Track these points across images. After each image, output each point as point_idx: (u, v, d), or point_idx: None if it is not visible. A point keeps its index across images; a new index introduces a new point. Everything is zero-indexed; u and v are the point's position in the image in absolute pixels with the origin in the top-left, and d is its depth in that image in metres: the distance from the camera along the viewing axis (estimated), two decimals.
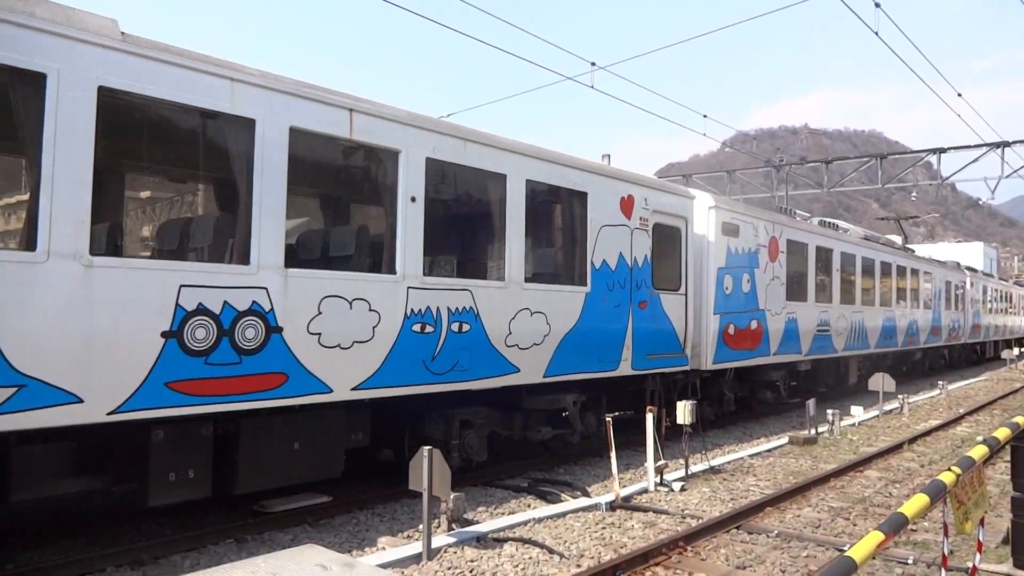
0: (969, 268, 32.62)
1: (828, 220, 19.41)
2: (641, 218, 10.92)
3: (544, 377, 9.37)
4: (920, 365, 26.76)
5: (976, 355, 35.10)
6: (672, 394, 11.88)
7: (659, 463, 9.24)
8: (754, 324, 13.69)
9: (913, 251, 26.92)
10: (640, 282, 10.84)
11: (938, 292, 26.09)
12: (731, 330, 12.93)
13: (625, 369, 10.56)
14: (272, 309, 6.48)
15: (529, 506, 8.54)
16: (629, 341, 10.59)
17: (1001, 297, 39.42)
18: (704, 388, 13.16)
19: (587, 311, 9.91)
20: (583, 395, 10.33)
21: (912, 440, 12.89)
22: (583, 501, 8.54)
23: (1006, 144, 26.37)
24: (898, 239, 31.65)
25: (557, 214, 10.36)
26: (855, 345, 18.68)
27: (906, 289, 22.90)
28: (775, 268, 14.53)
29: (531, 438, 9.98)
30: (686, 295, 11.95)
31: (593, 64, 17.24)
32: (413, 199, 7.80)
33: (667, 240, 11.64)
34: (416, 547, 6.55)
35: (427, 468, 6.52)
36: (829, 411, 13.99)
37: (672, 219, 11.70)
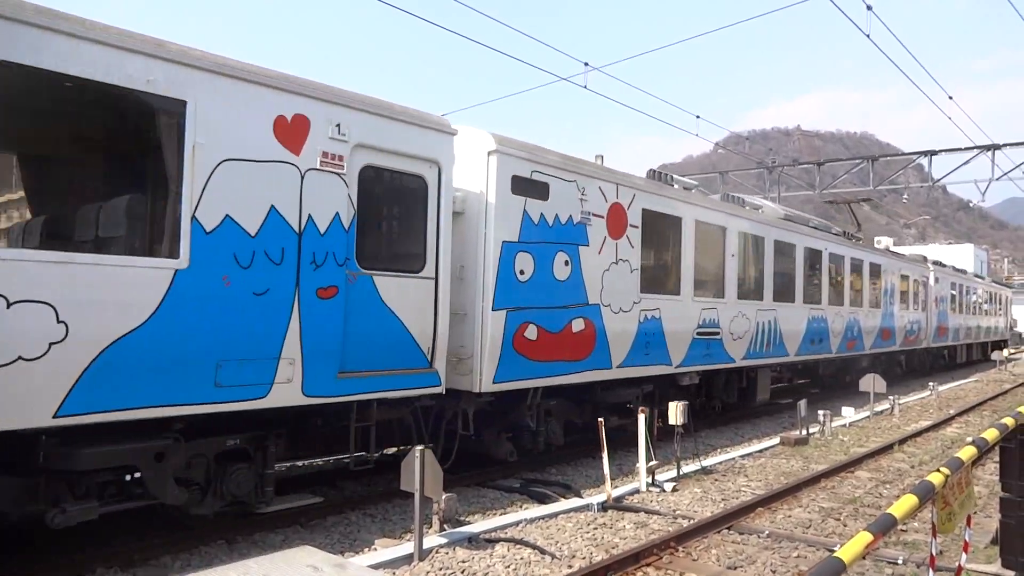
0: (936, 263, 28.32)
1: (736, 196, 15.38)
2: (328, 154, 7.07)
3: (56, 418, 5.34)
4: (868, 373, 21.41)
5: (944, 360, 31.01)
6: (423, 431, 8.68)
7: (651, 464, 9.26)
8: (579, 325, 9.87)
9: (859, 238, 21.89)
10: (324, 256, 7.02)
11: (890, 288, 22.15)
12: (531, 333, 9.15)
13: (286, 396, 6.69)
14: None
15: (521, 506, 8.55)
16: (295, 350, 6.74)
17: (976, 296, 35.21)
18: (491, 418, 9.57)
19: (174, 302, 5.93)
20: (165, 444, 6.15)
21: (902, 441, 12.96)
22: (575, 502, 8.55)
23: (996, 147, 26.54)
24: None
25: (108, 135, 6.45)
26: (765, 352, 14.70)
27: (843, 283, 18.78)
28: (620, 248, 10.63)
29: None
30: (436, 280, 8.11)
31: (587, 64, 17.26)
32: None
33: (395, 195, 8.01)
34: (408, 548, 6.54)
35: (419, 468, 6.51)
36: (820, 412, 14.04)
37: (407, 163, 7.87)
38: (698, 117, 23.74)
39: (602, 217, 10.40)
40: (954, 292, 30.04)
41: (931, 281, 26.49)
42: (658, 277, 11.92)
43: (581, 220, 10.03)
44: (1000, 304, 42.13)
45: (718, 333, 13.14)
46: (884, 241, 28.26)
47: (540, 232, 9.37)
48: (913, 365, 26.84)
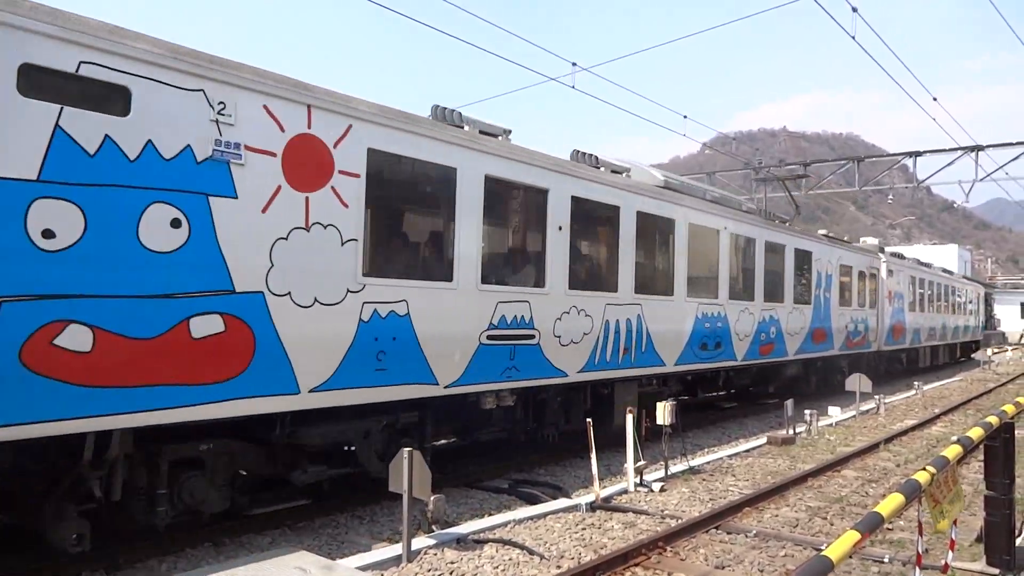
0: (895, 254, 25.29)
1: (581, 152, 11.15)
2: None
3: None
4: (799, 383, 18.27)
5: (901, 365, 26.99)
6: None
7: (639, 464, 9.28)
8: (209, 325, 6.18)
9: (785, 220, 18.48)
10: None
11: (825, 281, 18.34)
12: (75, 339, 5.40)
13: None
14: None
15: (509, 507, 8.54)
16: None
17: (944, 293, 31.20)
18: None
19: None
20: None
21: (888, 440, 13.05)
22: (563, 502, 8.55)
23: (980, 148, 26.81)
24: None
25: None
26: (622, 362, 11.05)
27: (754, 273, 15.03)
28: (318, 207, 7.02)
29: None
30: None
31: (574, 64, 17.29)
32: None
33: None
34: (396, 549, 6.53)
35: (407, 470, 6.50)
36: (807, 411, 14.12)
37: None
38: (685, 117, 23.79)
39: (273, 155, 6.65)
40: (917, 287, 26.54)
41: (883, 273, 22.70)
42: (411, 254, 8.64)
43: (218, 156, 6.24)
44: (973, 302, 38.39)
45: (533, 336, 9.42)
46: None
47: (103, 169, 5.57)
48: (861, 371, 19.24)
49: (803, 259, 17.25)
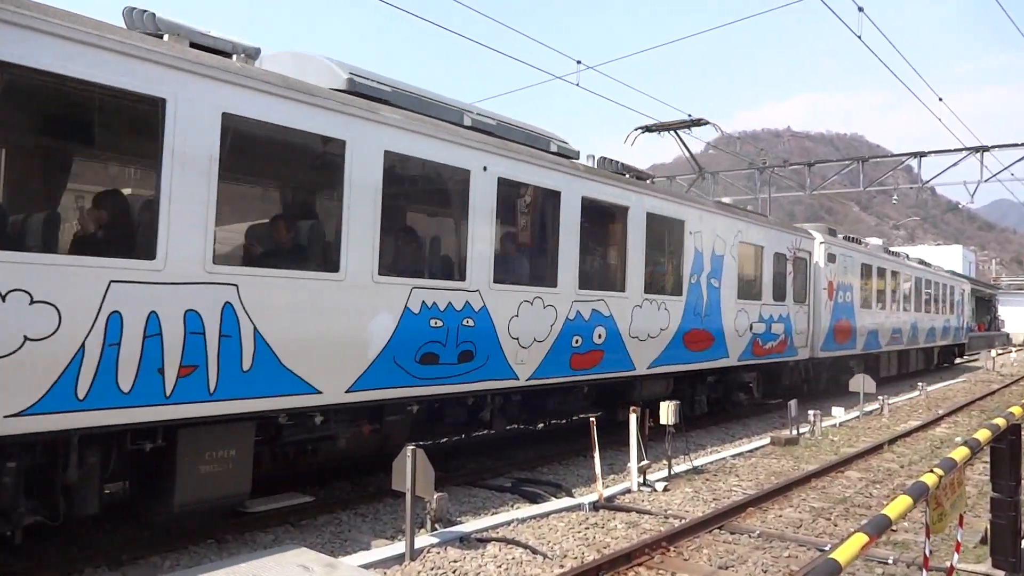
0: (851, 238, 21.40)
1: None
2: None
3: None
4: (687, 406, 12.81)
5: (848, 375, 18.98)
6: None
7: (642, 463, 9.26)
8: None
9: (644, 177, 12.53)
10: None
11: (710, 264, 13.14)
12: None
13: None
14: None
15: (512, 506, 8.53)
16: None
17: (916, 287, 26.52)
18: None
19: None
20: None
21: (892, 441, 13.02)
22: (566, 501, 8.54)
23: (985, 148, 26.69)
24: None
25: None
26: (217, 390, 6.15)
27: (557, 248, 9.88)
28: None
29: None
30: None
31: (579, 63, 17.27)
32: None
33: None
34: (399, 547, 6.51)
35: (410, 468, 6.48)
36: (810, 412, 14.09)
37: None
38: (690, 116, 23.74)
39: None
40: (874, 279, 21.92)
41: (818, 259, 17.67)
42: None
43: None
44: (955, 300, 33.46)
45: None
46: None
47: None
48: (782, 384, 17.00)
49: (666, 230, 12.05)
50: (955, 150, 27.12)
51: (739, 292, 14.12)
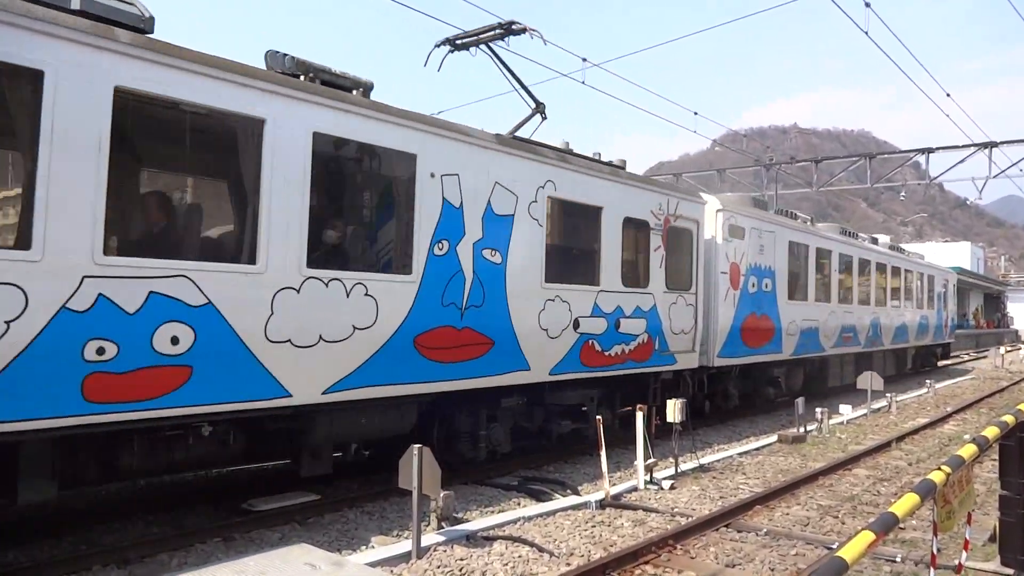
0: (759, 201, 16.52)
1: None
2: None
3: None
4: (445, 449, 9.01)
5: (776, 388, 16.35)
6: None
7: (649, 461, 9.25)
8: None
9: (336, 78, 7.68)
10: None
11: (493, 232, 8.92)
12: None
13: None
14: None
15: (519, 504, 8.53)
16: None
17: (879, 276, 21.79)
18: None
19: None
20: None
21: (900, 438, 12.97)
22: (573, 499, 8.53)
23: (994, 144, 26.56)
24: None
25: None
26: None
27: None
28: None
29: None
30: None
31: (584, 60, 17.24)
32: None
33: None
34: (405, 545, 6.52)
35: (416, 466, 6.49)
36: (818, 409, 14.05)
37: None
38: (696, 114, 23.73)
39: None
40: (811, 264, 17.17)
41: (714, 233, 13.43)
42: None
43: None
44: (936, 292, 28.40)
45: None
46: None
47: None
48: (647, 407, 10.32)
49: (371, 168, 8.13)
50: (963, 146, 27.00)
51: (549, 272, 9.56)
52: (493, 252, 8.91)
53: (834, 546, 6.60)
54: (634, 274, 11.33)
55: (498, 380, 9.01)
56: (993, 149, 26.62)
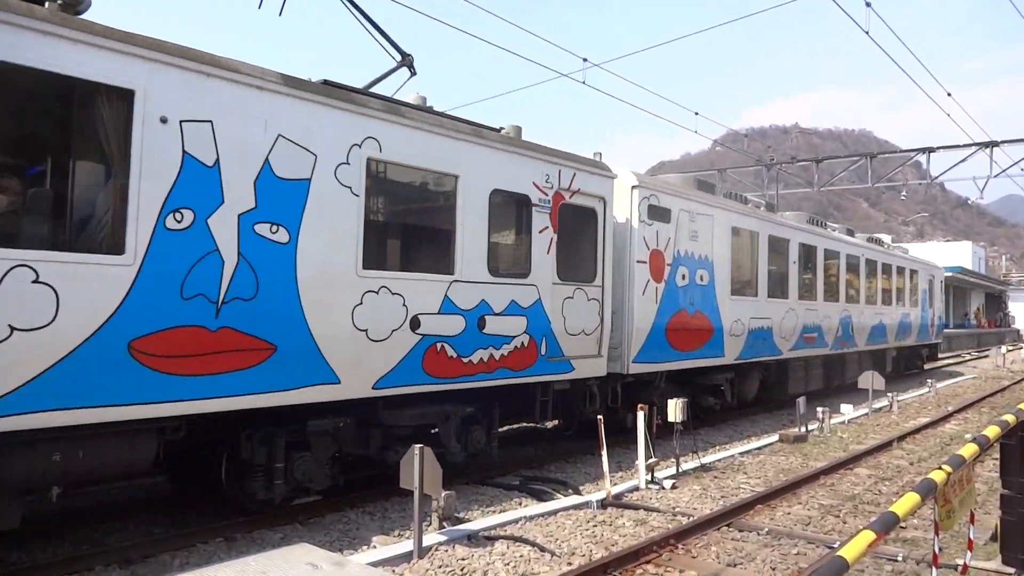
0: (703, 183, 14.01)
1: None
2: None
3: None
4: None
5: (715, 400, 13.96)
6: None
7: (650, 461, 9.25)
8: None
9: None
10: None
11: (273, 202, 6.71)
12: None
13: None
14: None
15: (520, 504, 8.54)
16: None
17: (846, 269, 19.08)
18: None
19: None
20: None
21: (901, 438, 12.96)
22: (574, 499, 8.54)
23: (995, 144, 26.54)
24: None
25: None
26: None
27: None
28: None
29: None
30: None
31: (585, 60, 17.25)
32: None
33: None
34: (407, 545, 6.53)
35: (418, 466, 6.50)
36: (819, 409, 14.05)
37: None
38: (696, 114, 23.70)
39: None
40: (761, 253, 14.81)
41: (628, 215, 11.31)
42: None
43: None
44: (922, 289, 25.79)
45: None
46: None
47: None
48: (548, 433, 12.48)
49: (95, 114, 5.84)
50: (964, 145, 26.99)
51: (370, 256, 7.52)
52: (274, 228, 6.74)
53: (835, 545, 6.60)
54: (509, 261, 9.28)
55: (284, 398, 6.79)
56: (994, 148, 26.61)
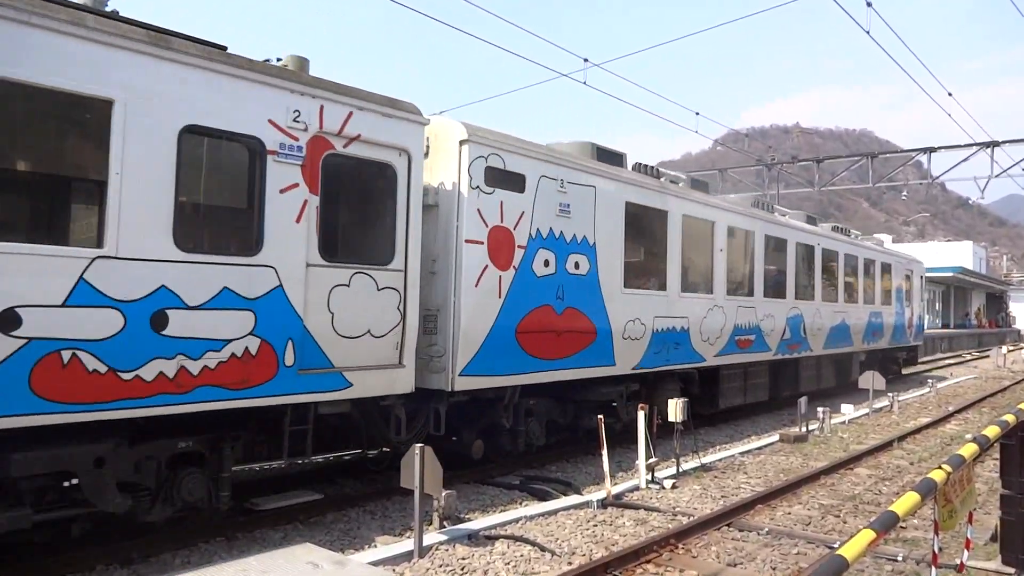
0: (606, 150, 11.08)
1: None
2: None
3: None
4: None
5: (617, 425, 10.99)
6: None
7: (651, 461, 9.26)
8: None
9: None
10: None
11: None
12: None
13: None
14: None
15: (521, 504, 8.55)
16: None
17: (797, 259, 16.19)
18: None
19: None
20: None
21: (902, 438, 12.97)
22: (575, 499, 8.55)
23: (996, 144, 26.54)
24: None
25: None
26: None
27: None
28: None
29: None
30: None
31: (586, 60, 17.25)
32: None
33: None
34: (408, 545, 6.54)
35: (419, 466, 6.51)
36: (819, 409, 14.05)
37: None
38: (697, 114, 23.71)
39: None
40: (674, 237, 12.08)
41: (456, 179, 8.61)
42: None
43: None
44: (897, 286, 22.85)
45: None
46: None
47: None
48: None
49: None
50: (965, 145, 27.01)
51: None
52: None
53: (835, 545, 6.61)
54: (221, 231, 6.94)
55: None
56: (995, 148, 26.62)
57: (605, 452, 8.78)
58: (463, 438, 9.24)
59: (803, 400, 13.36)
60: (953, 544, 6.79)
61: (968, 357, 40.01)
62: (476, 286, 8.57)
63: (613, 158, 11.22)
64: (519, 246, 9.12)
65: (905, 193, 34.72)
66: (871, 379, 16.36)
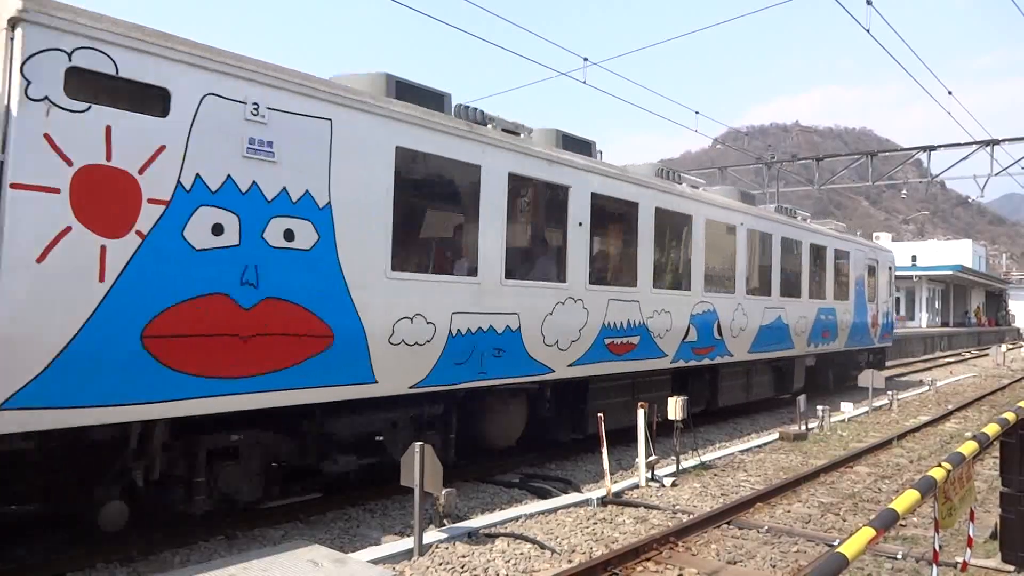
0: (406, 86, 8.04)
1: None
2: None
3: None
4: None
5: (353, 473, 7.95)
6: None
7: (650, 459, 9.27)
8: None
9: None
10: None
11: None
12: None
13: None
14: None
15: (521, 502, 8.54)
16: None
17: (705, 239, 12.68)
18: None
19: None
20: None
21: (901, 436, 12.97)
22: (574, 497, 8.55)
23: (995, 142, 26.55)
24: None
25: None
26: None
27: None
28: None
29: None
30: None
31: (586, 59, 17.25)
32: None
33: None
34: (408, 543, 6.54)
35: (419, 464, 6.51)
36: (819, 407, 14.05)
37: None
38: (697, 113, 23.73)
39: None
40: (521, 209, 9.64)
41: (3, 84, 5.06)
42: None
43: None
44: (859, 278, 19.59)
45: None
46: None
47: None
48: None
49: None
50: (965, 144, 27.01)
51: None
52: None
53: (835, 543, 6.62)
54: None
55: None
56: (995, 147, 26.63)
57: (605, 450, 8.79)
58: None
59: (802, 398, 13.37)
60: (953, 542, 6.79)
61: (967, 355, 40.03)
62: (40, 260, 5.24)
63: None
64: (152, 200, 5.81)
65: (905, 191, 34.81)
66: (870, 377, 16.36)
